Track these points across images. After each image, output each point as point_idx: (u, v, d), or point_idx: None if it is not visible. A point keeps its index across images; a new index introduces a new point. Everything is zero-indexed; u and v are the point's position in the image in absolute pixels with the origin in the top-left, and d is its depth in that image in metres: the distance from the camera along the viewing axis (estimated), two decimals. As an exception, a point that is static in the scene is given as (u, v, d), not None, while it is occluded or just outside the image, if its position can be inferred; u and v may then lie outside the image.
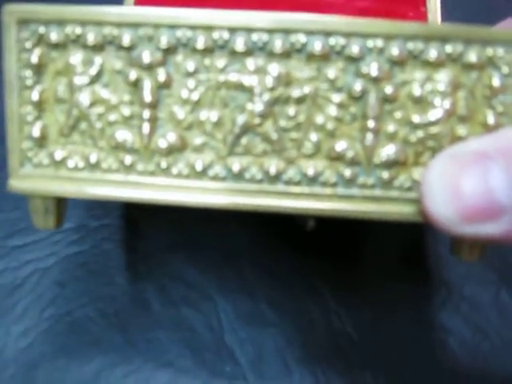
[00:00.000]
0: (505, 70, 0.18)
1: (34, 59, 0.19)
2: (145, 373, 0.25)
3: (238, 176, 0.19)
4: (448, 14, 0.42)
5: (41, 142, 0.20)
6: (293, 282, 0.27)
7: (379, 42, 0.18)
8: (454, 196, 0.17)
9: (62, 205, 0.21)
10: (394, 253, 0.29)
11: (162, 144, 0.19)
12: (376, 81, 0.18)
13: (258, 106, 0.19)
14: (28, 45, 0.19)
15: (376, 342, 0.26)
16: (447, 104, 0.19)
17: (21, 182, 0.20)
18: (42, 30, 0.19)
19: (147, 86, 0.19)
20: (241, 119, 0.19)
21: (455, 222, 0.17)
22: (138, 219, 0.29)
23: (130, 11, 0.19)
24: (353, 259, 0.29)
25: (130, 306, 0.27)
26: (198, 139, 0.19)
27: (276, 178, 0.19)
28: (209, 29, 0.18)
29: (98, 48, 0.19)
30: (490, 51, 0.18)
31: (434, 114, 0.19)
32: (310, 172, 0.19)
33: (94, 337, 0.26)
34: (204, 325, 0.26)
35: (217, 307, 0.26)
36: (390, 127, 0.19)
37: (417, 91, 0.18)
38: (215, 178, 0.19)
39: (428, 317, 0.28)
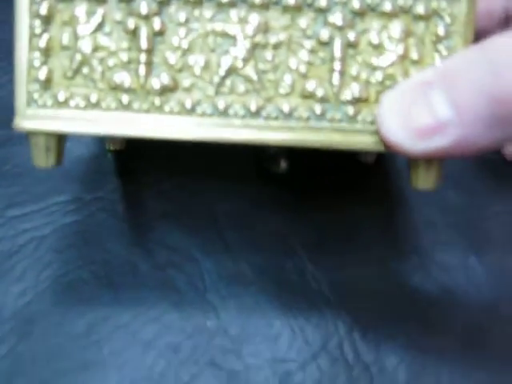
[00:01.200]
0: (447, 19, 0.21)
1: (43, 11, 0.21)
2: (133, 326, 0.26)
3: (223, 112, 0.22)
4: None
5: (46, 84, 0.22)
6: (272, 244, 0.29)
7: None
8: (405, 120, 0.20)
9: (61, 143, 0.23)
10: (369, 221, 0.31)
11: (156, 84, 0.22)
12: (341, 29, 0.22)
13: (240, 51, 0.22)
14: None
15: (350, 299, 0.28)
16: (400, 49, 0.22)
17: (26, 121, 0.22)
18: None
19: (144, 33, 0.21)
20: (225, 62, 0.22)
21: (408, 142, 0.20)
22: (129, 192, 0.31)
23: None
24: (329, 224, 0.30)
25: (120, 269, 0.28)
26: (187, 80, 0.22)
27: (256, 113, 0.22)
28: None
29: (101, 0, 0.21)
30: (435, 4, 0.21)
31: (390, 58, 0.22)
32: (286, 108, 0.22)
33: (87, 295, 0.28)
34: (188, 284, 0.28)
35: (200, 268, 0.28)
36: (354, 69, 0.22)
37: (375, 38, 0.22)
38: (203, 114, 0.22)
39: (401, 278, 0.29)
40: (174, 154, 0.32)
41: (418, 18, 0.22)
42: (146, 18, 0.21)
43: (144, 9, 0.21)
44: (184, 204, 0.30)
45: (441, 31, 0.22)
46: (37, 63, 0.22)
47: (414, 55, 0.22)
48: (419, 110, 0.20)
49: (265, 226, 0.30)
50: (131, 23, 0.21)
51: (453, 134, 0.19)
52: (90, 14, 0.22)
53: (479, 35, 0.27)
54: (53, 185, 0.31)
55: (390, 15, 0.22)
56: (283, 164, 0.28)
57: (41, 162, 0.23)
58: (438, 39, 0.22)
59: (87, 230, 0.30)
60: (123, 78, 0.22)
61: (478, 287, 0.29)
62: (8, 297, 0.28)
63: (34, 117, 0.22)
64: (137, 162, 0.32)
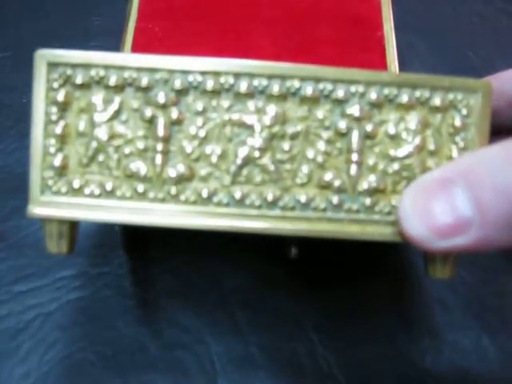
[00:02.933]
0: (464, 111, 0.22)
1: (60, 98, 0.21)
2: (140, 413, 0.26)
3: (240, 202, 0.22)
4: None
5: (61, 171, 0.22)
6: (283, 325, 0.29)
7: (360, 88, 0.21)
8: (426, 217, 0.20)
9: (74, 230, 0.23)
10: (381, 302, 0.31)
11: (172, 174, 0.22)
12: (358, 120, 0.22)
13: (257, 142, 0.22)
14: (55, 85, 0.21)
15: (362, 381, 0.27)
16: (417, 140, 0.22)
17: (39, 208, 0.22)
18: (69, 72, 0.21)
19: (161, 122, 0.22)
20: (242, 153, 0.22)
21: (429, 240, 0.20)
22: (136, 267, 0.31)
23: (148, 58, 0.22)
24: (340, 305, 0.30)
25: (127, 349, 0.28)
26: (204, 170, 0.22)
27: (273, 204, 0.22)
28: (217, 74, 0.21)
29: (119, 89, 0.21)
30: (451, 96, 0.22)
31: (407, 149, 0.22)
32: (303, 199, 0.22)
33: (93, 379, 0.27)
34: (198, 367, 0.27)
35: (210, 350, 0.28)
36: (371, 160, 0.22)
37: (392, 129, 0.22)
38: (219, 203, 0.22)
39: (413, 359, 0.29)
40: (183, 230, 0.31)
41: (435, 109, 0.22)
42: (164, 107, 0.22)
43: (161, 99, 0.21)
44: (193, 281, 0.30)
45: (457, 123, 0.22)
46: (52, 150, 0.22)
47: (431, 146, 0.22)
48: (441, 208, 0.19)
49: (275, 306, 0.29)
50: (148, 112, 0.22)
51: (474, 234, 0.19)
52: (107, 101, 0.22)
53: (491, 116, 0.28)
54: (59, 258, 0.31)
55: (407, 107, 0.22)
56: (294, 250, 0.27)
57: (53, 248, 0.23)
58: (455, 131, 0.22)
59: (93, 306, 0.29)
60: (139, 166, 0.22)
61: (491, 368, 0.29)
62: (12, 379, 0.27)
63: (48, 204, 0.22)
64: (145, 236, 0.32)
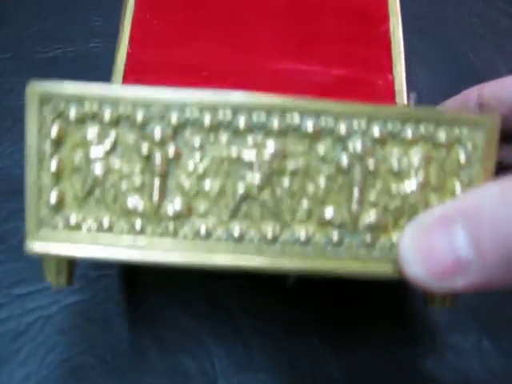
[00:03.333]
0: (469, 146, 0.21)
1: (54, 133, 0.21)
2: (141, 416, 0.26)
3: (239, 238, 0.21)
4: (431, 76, 0.45)
5: (57, 207, 0.21)
6: (283, 329, 0.29)
7: (363, 123, 0.21)
8: (425, 259, 0.19)
9: (73, 265, 0.23)
10: (382, 304, 0.30)
11: (170, 210, 0.21)
12: (360, 157, 0.21)
13: (256, 178, 0.21)
14: (48, 120, 0.21)
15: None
16: (421, 176, 0.21)
17: (36, 244, 0.21)
18: (62, 106, 0.20)
19: (158, 158, 0.21)
20: (241, 189, 0.21)
21: (428, 281, 0.20)
22: (136, 270, 0.31)
23: (143, 92, 0.21)
24: (341, 308, 0.30)
25: (127, 353, 0.28)
26: (202, 206, 0.21)
27: (272, 240, 0.21)
28: (214, 109, 0.21)
29: (114, 123, 0.21)
30: (456, 131, 0.21)
31: (410, 185, 0.21)
32: (303, 235, 0.21)
33: (93, 382, 0.27)
34: (198, 370, 0.27)
35: (210, 353, 0.28)
36: (372, 196, 0.21)
37: (395, 165, 0.21)
38: (218, 240, 0.21)
39: (413, 362, 0.29)
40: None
41: (439, 144, 0.21)
42: (160, 143, 0.21)
43: (158, 134, 0.21)
44: (192, 284, 0.30)
45: (462, 158, 0.21)
46: (47, 186, 0.21)
47: (435, 182, 0.21)
48: (441, 249, 0.19)
49: (275, 309, 0.29)
50: (145, 148, 0.21)
51: (473, 276, 0.19)
52: (102, 136, 0.21)
53: None
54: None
55: (411, 142, 0.21)
56: (291, 279, 0.27)
57: (52, 280, 0.23)
58: (460, 166, 0.21)
59: (93, 309, 0.29)
60: (136, 202, 0.21)
61: (492, 371, 0.29)
62: (11, 382, 0.27)
63: (45, 239, 0.21)
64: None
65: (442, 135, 0.21)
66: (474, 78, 0.46)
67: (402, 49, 0.34)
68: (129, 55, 0.32)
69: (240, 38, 0.34)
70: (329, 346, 0.28)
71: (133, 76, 0.32)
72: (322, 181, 0.21)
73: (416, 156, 0.21)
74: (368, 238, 0.21)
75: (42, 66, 0.44)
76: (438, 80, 0.45)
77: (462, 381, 0.28)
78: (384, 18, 0.35)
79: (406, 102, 0.33)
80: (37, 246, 0.21)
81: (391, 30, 0.34)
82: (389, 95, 0.33)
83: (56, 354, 0.28)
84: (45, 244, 0.21)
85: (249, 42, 0.34)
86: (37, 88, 0.20)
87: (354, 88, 0.33)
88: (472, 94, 0.30)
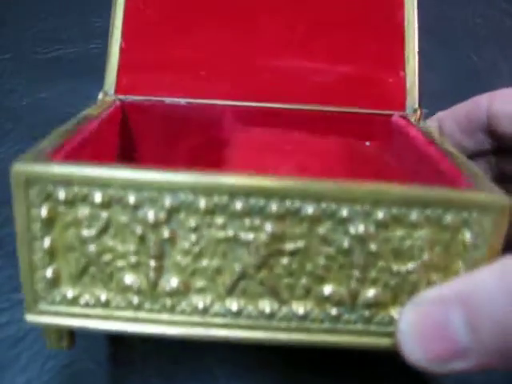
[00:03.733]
0: (476, 229, 0.20)
1: (43, 213, 0.20)
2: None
3: (236, 314, 0.21)
4: (434, 77, 0.45)
5: (53, 282, 0.21)
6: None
7: (366, 207, 0.20)
8: (425, 344, 0.19)
9: (73, 331, 0.23)
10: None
11: (167, 288, 0.21)
12: (362, 239, 0.20)
13: (254, 259, 0.20)
14: (36, 201, 0.20)
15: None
16: (424, 257, 0.20)
17: (36, 316, 0.21)
18: (49, 188, 0.20)
19: (152, 241, 0.20)
20: (238, 269, 0.20)
21: (426, 364, 0.19)
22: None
23: (133, 175, 0.20)
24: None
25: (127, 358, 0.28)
26: (199, 283, 0.21)
27: (270, 316, 0.21)
28: (209, 193, 0.20)
29: (105, 205, 0.20)
30: (465, 214, 0.20)
31: (412, 265, 0.20)
32: (301, 311, 0.21)
33: (93, 388, 0.27)
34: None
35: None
36: (373, 274, 0.20)
37: (398, 247, 0.20)
38: (215, 315, 0.21)
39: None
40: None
41: (445, 227, 0.20)
42: (154, 226, 0.20)
43: (151, 218, 0.20)
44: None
45: (468, 240, 0.20)
46: (41, 264, 0.20)
47: (438, 262, 0.20)
48: (438, 332, 0.19)
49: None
50: (138, 230, 0.20)
51: (473, 360, 0.18)
52: (94, 217, 0.20)
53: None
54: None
55: (416, 225, 0.20)
56: None
57: (54, 345, 0.23)
58: (465, 248, 0.20)
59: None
60: (132, 280, 0.21)
61: (488, 372, 0.29)
62: (12, 388, 0.27)
63: (44, 313, 0.21)
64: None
65: (448, 218, 0.20)
66: (478, 79, 0.46)
67: (416, 41, 0.32)
68: (122, 51, 0.31)
69: (240, 29, 0.32)
70: None
71: (127, 76, 0.31)
72: (321, 260, 0.20)
73: (420, 238, 0.20)
74: (367, 313, 0.21)
75: (43, 66, 0.44)
76: (441, 81, 0.45)
77: (462, 381, 0.28)
78: (399, 3, 0.32)
79: (417, 102, 0.32)
80: (37, 318, 0.21)
81: (406, 17, 0.32)
82: (399, 96, 0.32)
83: (57, 359, 0.27)
84: (44, 317, 0.21)
85: (249, 33, 0.32)
86: (22, 169, 0.19)
87: (359, 88, 0.32)
88: (482, 102, 0.29)
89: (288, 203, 0.20)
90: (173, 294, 0.21)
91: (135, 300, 0.21)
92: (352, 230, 0.20)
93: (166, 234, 0.20)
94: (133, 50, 0.32)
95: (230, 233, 0.20)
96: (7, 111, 0.40)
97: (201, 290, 0.21)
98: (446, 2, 0.53)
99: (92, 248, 0.20)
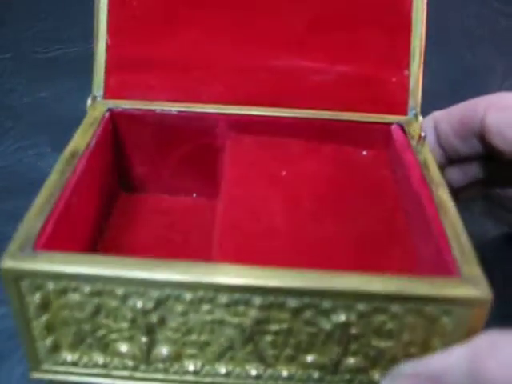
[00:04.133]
0: (456, 318, 0.20)
1: (37, 300, 0.21)
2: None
3: (226, 375, 0.22)
4: (428, 76, 0.45)
5: (53, 350, 0.22)
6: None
7: (348, 301, 0.20)
8: None
9: None
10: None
11: (160, 356, 0.22)
12: (344, 325, 0.21)
13: (239, 337, 0.21)
14: (28, 291, 0.20)
15: None
16: (403, 337, 0.21)
17: (40, 374, 0.23)
18: (39, 281, 0.20)
19: (143, 323, 0.21)
20: (226, 343, 0.21)
21: None
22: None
23: (120, 272, 0.20)
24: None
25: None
26: (190, 351, 0.22)
27: (257, 377, 0.22)
28: (194, 289, 0.20)
29: (95, 294, 0.21)
30: (446, 306, 0.20)
31: (391, 343, 0.21)
32: (285, 374, 0.22)
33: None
34: None
35: None
36: (353, 347, 0.21)
37: (378, 328, 0.21)
38: (206, 375, 0.22)
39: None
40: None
41: (426, 316, 0.20)
42: (143, 313, 0.21)
43: (140, 307, 0.21)
44: None
45: (447, 327, 0.21)
46: (41, 337, 0.22)
47: (417, 340, 0.21)
48: None
49: None
50: (128, 314, 0.21)
51: None
52: (85, 303, 0.21)
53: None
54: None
55: (396, 314, 0.20)
56: None
57: None
58: (443, 332, 0.21)
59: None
60: (127, 348, 0.22)
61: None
62: (11, 379, 0.27)
63: (46, 372, 0.23)
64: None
65: (429, 309, 0.20)
66: (472, 77, 0.46)
67: (423, 36, 0.30)
68: (109, 48, 0.30)
69: (234, 25, 0.30)
70: None
71: (115, 77, 0.30)
72: (304, 337, 0.21)
73: (400, 323, 0.21)
74: (348, 376, 0.22)
75: (43, 66, 0.44)
76: (436, 80, 0.45)
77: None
78: None
79: (419, 104, 0.30)
80: (40, 375, 0.23)
81: (414, 6, 0.29)
82: (401, 98, 0.30)
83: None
84: (48, 375, 0.23)
85: (244, 29, 0.30)
86: (10, 266, 0.20)
87: (359, 90, 0.30)
88: (478, 109, 0.28)
89: (271, 298, 0.20)
90: (165, 360, 0.22)
91: (130, 363, 0.22)
92: (334, 318, 0.20)
93: (154, 318, 0.21)
94: (119, 47, 0.30)
95: (217, 317, 0.21)
96: (7, 110, 0.41)
97: (191, 356, 0.22)
98: (441, 3, 0.53)
99: (86, 326, 0.21)
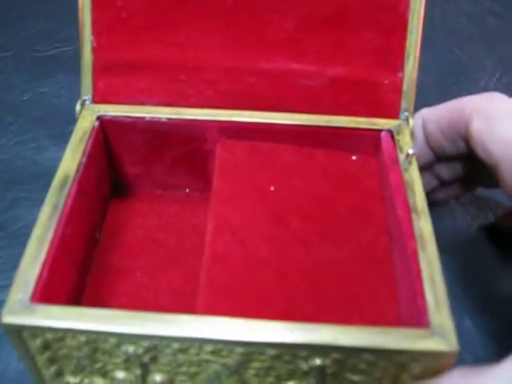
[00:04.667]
0: (424, 365, 0.22)
1: (38, 344, 0.23)
2: None
3: None
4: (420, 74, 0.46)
5: (57, 375, 0.24)
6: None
7: (323, 351, 0.22)
8: None
9: None
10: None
11: (154, 382, 0.24)
12: (320, 367, 0.22)
13: (224, 371, 0.23)
14: (30, 339, 0.22)
15: None
16: (375, 373, 0.23)
17: None
18: (39, 332, 0.22)
19: (136, 362, 0.23)
20: (213, 375, 0.23)
21: None
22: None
23: (110, 327, 0.22)
24: None
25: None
26: (181, 378, 0.24)
27: None
28: (181, 342, 0.22)
29: (90, 342, 0.22)
30: (415, 356, 0.22)
31: (364, 377, 0.23)
32: None
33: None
34: None
35: None
36: (330, 379, 0.23)
37: (351, 367, 0.22)
38: None
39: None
40: None
41: (395, 363, 0.22)
42: (135, 356, 0.23)
43: (132, 352, 0.22)
44: None
45: (415, 371, 0.22)
46: (45, 366, 0.24)
47: (387, 375, 0.23)
48: None
49: None
50: (122, 356, 0.23)
51: None
52: (82, 346, 0.22)
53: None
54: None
55: (368, 360, 0.22)
56: None
57: None
58: (411, 376, 0.22)
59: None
60: (124, 376, 0.24)
61: (473, 349, 0.30)
62: (11, 359, 0.28)
63: None
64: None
65: (400, 358, 0.22)
66: (461, 73, 0.47)
67: (420, 36, 0.29)
68: (95, 50, 0.29)
69: (223, 25, 0.29)
70: None
71: (104, 79, 0.30)
72: (284, 371, 0.23)
73: (373, 366, 0.22)
74: None
75: (42, 64, 0.45)
76: (425, 75, 0.46)
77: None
78: None
79: (413, 106, 0.30)
80: None
81: (411, 7, 0.29)
82: (393, 101, 0.30)
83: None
84: None
85: (233, 31, 0.29)
86: (10, 321, 0.22)
87: (350, 93, 0.30)
88: (465, 114, 0.28)
89: (252, 348, 0.22)
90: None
91: None
92: (310, 361, 0.22)
93: (146, 359, 0.23)
94: (106, 50, 0.30)
95: (203, 358, 0.23)
96: (8, 105, 0.42)
97: (183, 381, 0.24)
98: (432, 2, 0.54)
99: (85, 361, 0.23)
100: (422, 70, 0.48)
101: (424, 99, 0.45)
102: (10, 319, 0.22)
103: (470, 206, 0.37)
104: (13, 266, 0.31)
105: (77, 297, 0.27)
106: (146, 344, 0.22)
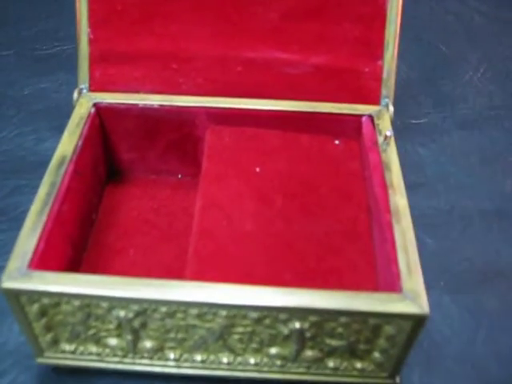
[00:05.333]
0: (396, 327, 0.24)
1: (35, 310, 0.24)
2: None
3: (201, 362, 0.26)
4: (402, 66, 0.47)
5: (53, 343, 0.26)
6: None
7: (301, 314, 0.23)
8: None
9: None
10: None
11: (145, 348, 0.26)
12: (299, 330, 0.24)
13: (210, 336, 0.25)
14: (27, 303, 0.24)
15: None
16: (351, 338, 0.25)
17: (44, 359, 0.27)
18: (35, 297, 0.24)
19: (127, 327, 0.25)
20: (199, 340, 0.25)
21: None
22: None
23: (101, 291, 0.23)
24: None
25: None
26: (170, 344, 0.26)
27: (228, 364, 0.26)
28: (169, 305, 0.23)
29: (84, 307, 0.24)
30: (387, 318, 0.23)
31: (342, 342, 0.25)
32: (252, 361, 0.26)
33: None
34: None
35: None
36: (309, 344, 0.25)
37: (329, 332, 0.24)
38: (185, 361, 0.26)
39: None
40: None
41: (370, 324, 0.24)
42: (126, 321, 0.24)
43: (122, 317, 0.24)
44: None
45: (389, 332, 0.24)
46: (41, 334, 0.25)
47: (363, 339, 0.25)
48: None
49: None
50: (114, 321, 0.24)
51: None
52: (76, 311, 0.24)
53: None
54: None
55: (344, 323, 0.24)
56: None
57: None
58: (386, 336, 0.24)
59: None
60: (116, 343, 0.26)
61: (451, 325, 0.31)
62: (11, 333, 0.29)
63: (50, 357, 0.27)
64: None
65: (373, 320, 0.23)
66: (445, 68, 0.49)
67: (398, 25, 0.31)
68: (91, 42, 0.31)
69: (212, 16, 0.31)
70: None
71: (100, 69, 0.32)
72: (266, 336, 0.25)
73: (349, 329, 0.24)
74: (306, 364, 0.26)
75: (42, 61, 0.47)
76: (409, 69, 0.48)
77: (424, 335, 0.31)
78: None
79: (392, 93, 0.31)
80: (44, 360, 0.27)
81: None
82: (374, 88, 0.31)
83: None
84: (50, 360, 0.27)
85: (221, 22, 0.31)
86: (8, 286, 0.23)
87: (332, 81, 0.31)
88: None
89: (234, 311, 0.23)
90: (150, 351, 0.26)
91: (120, 353, 0.26)
92: (290, 325, 0.24)
93: (136, 324, 0.24)
94: (102, 41, 0.31)
95: (189, 322, 0.24)
96: (10, 99, 0.43)
97: (172, 348, 0.26)
98: (419, 1, 0.56)
99: (79, 327, 0.25)
100: (410, 65, 0.50)
101: (411, 92, 0.47)
102: (9, 284, 0.23)
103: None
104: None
105: (73, 272, 0.29)
106: (135, 307, 0.23)
